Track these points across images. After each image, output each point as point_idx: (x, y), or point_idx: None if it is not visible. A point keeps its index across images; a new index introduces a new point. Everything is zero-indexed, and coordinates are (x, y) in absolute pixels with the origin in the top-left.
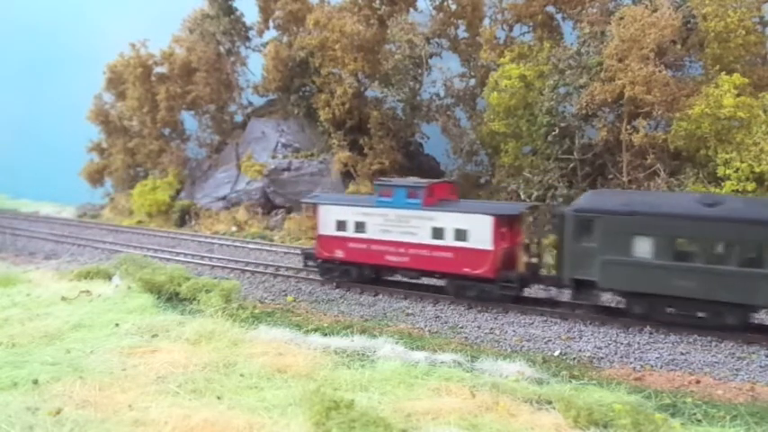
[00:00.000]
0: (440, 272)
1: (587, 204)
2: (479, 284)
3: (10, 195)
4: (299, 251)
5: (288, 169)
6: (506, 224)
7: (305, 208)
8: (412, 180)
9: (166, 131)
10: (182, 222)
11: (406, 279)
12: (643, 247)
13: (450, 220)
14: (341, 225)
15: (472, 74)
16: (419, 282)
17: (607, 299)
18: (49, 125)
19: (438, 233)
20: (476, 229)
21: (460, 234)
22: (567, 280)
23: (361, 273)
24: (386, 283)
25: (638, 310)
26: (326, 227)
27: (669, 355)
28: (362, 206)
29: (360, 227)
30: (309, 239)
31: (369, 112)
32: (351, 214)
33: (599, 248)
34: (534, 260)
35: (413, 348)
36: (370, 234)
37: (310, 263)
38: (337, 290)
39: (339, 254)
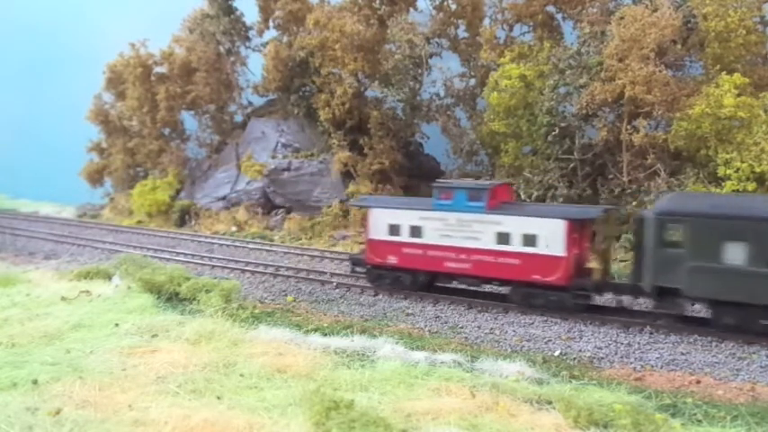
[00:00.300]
0: (505, 279)
1: (673, 207)
2: (549, 292)
3: (10, 195)
4: (345, 256)
5: (288, 169)
6: (578, 228)
7: (355, 212)
8: (473, 182)
9: (166, 131)
10: (182, 222)
11: (463, 286)
12: (735, 253)
13: (517, 225)
14: (394, 229)
15: (472, 74)
16: (477, 289)
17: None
18: (49, 125)
19: (503, 238)
20: (547, 234)
21: (529, 239)
22: (649, 288)
23: (416, 280)
24: (440, 291)
25: (727, 320)
26: (378, 231)
27: (669, 355)
28: (419, 209)
29: (415, 231)
30: (309, 239)
31: (369, 112)
32: (406, 218)
33: (686, 254)
34: (603, 266)
35: (413, 348)
36: (427, 239)
37: (359, 269)
38: (337, 290)
39: (392, 260)
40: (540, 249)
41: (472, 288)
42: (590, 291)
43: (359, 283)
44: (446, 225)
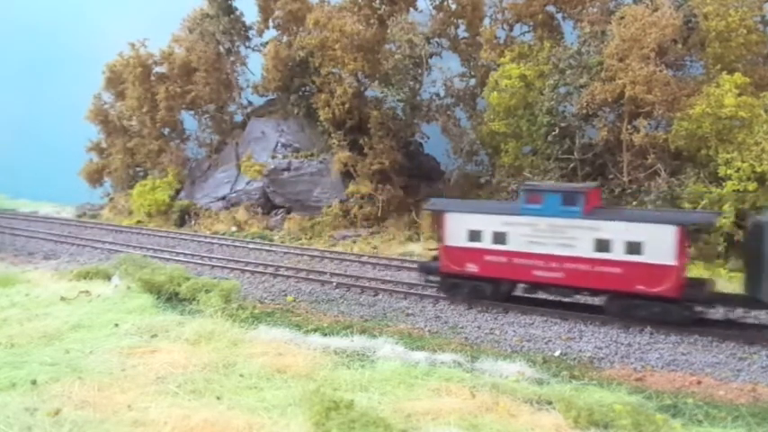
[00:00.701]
0: (603, 290)
1: None
2: (653, 304)
3: (9, 195)
4: (414, 264)
5: (288, 169)
6: (688, 235)
7: (429, 216)
8: (566, 184)
9: (166, 131)
10: (181, 222)
11: (548, 297)
12: None
13: (619, 231)
14: (474, 235)
15: (472, 74)
16: (561, 299)
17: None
18: (49, 125)
19: (603, 245)
20: (654, 241)
21: (633, 247)
22: None
23: (497, 289)
24: (522, 302)
25: None
26: (455, 237)
27: (670, 355)
28: (504, 214)
29: (499, 237)
30: (309, 239)
31: (369, 111)
32: (488, 223)
33: None
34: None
35: (413, 348)
36: (512, 246)
37: (431, 278)
38: (337, 290)
39: (471, 268)
40: (647, 258)
41: (551, 299)
42: (702, 303)
43: (359, 284)
44: (535, 231)
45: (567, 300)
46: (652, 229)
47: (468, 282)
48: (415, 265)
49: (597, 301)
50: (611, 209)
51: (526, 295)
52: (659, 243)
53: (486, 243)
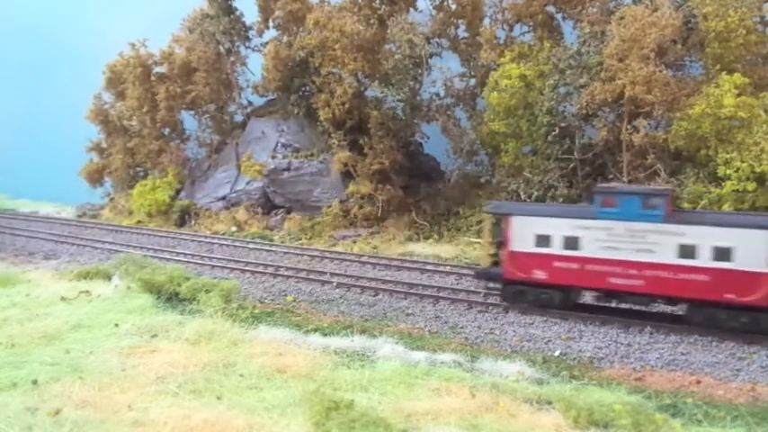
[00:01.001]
0: (687, 298)
1: None
2: (742, 313)
3: (9, 195)
4: (468, 269)
5: (288, 169)
6: None
7: (487, 219)
8: (645, 187)
9: (166, 131)
10: (181, 222)
11: (617, 305)
12: None
13: (706, 236)
14: (542, 240)
15: (472, 74)
16: (646, 309)
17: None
18: (49, 125)
19: (687, 251)
20: (746, 247)
21: (722, 253)
22: None
23: (567, 297)
24: (593, 310)
25: None
26: (521, 242)
27: (670, 355)
28: (576, 218)
29: (571, 242)
30: (309, 239)
31: (369, 112)
32: (558, 227)
33: None
34: None
35: (413, 348)
36: (586, 251)
37: (492, 285)
38: (337, 290)
39: (538, 275)
40: (737, 265)
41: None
42: None
43: (359, 284)
44: (612, 236)
45: (643, 308)
46: (743, 233)
47: (534, 289)
48: (414, 265)
49: (675, 310)
50: (694, 212)
51: (598, 304)
52: (751, 249)
53: (556, 248)
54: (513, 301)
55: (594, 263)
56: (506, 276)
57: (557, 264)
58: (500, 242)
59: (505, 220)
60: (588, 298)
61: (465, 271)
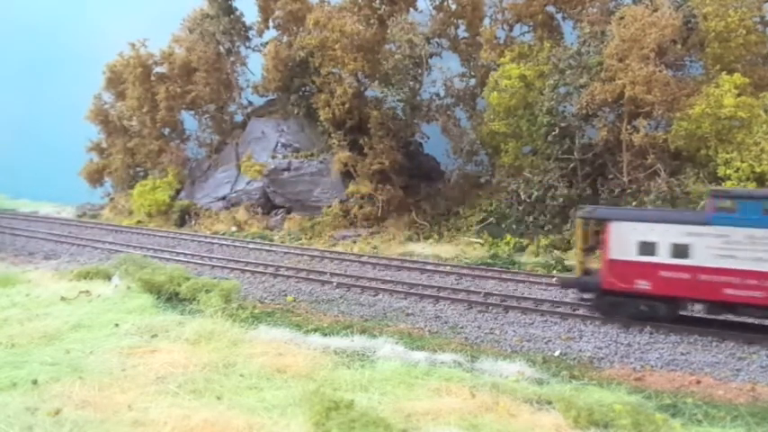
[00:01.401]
0: None
1: None
2: None
3: (9, 195)
4: (550, 279)
5: (288, 169)
6: None
7: (580, 224)
8: (763, 190)
9: (166, 131)
10: (181, 222)
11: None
12: None
13: None
14: (646, 248)
15: (472, 74)
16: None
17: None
18: (49, 125)
19: None
20: None
21: None
22: None
23: (675, 309)
24: (704, 324)
25: None
26: (622, 250)
27: (669, 355)
28: (686, 224)
29: (680, 250)
30: (309, 239)
31: (369, 112)
32: (665, 234)
33: None
34: None
35: (413, 348)
36: (698, 260)
37: (586, 295)
38: (337, 290)
39: (642, 285)
40: None
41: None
42: None
43: (359, 284)
44: (728, 243)
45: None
46: None
47: (636, 300)
48: (414, 265)
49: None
50: None
51: (707, 316)
52: None
53: (663, 257)
54: (611, 314)
55: (708, 272)
56: (605, 286)
57: (663, 273)
58: (589, 248)
59: (605, 226)
60: (687, 310)
61: (465, 271)
